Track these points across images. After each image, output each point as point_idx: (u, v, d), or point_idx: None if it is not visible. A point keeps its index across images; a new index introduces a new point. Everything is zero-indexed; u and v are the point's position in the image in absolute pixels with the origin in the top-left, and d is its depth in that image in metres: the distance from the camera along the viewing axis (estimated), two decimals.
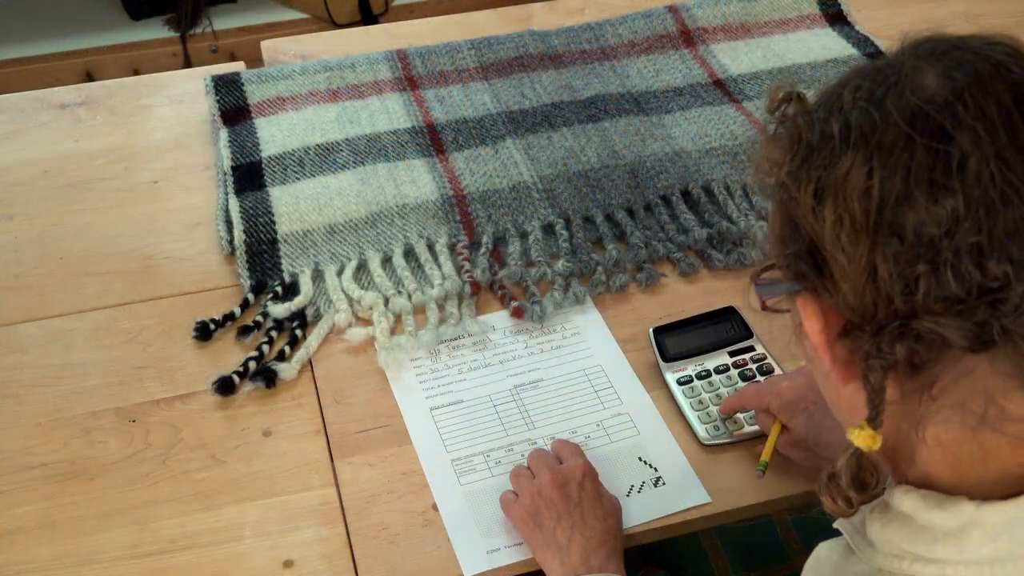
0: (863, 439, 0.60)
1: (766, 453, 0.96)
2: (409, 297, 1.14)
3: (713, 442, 1.00)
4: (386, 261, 1.19)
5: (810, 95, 0.65)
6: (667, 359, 1.06)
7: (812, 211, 0.59)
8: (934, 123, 0.56)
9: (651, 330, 1.08)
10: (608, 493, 0.93)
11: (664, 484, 0.97)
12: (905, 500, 0.61)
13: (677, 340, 1.08)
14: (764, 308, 0.68)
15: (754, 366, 1.06)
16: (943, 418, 0.59)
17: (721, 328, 1.09)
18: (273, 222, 1.21)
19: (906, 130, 0.56)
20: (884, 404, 0.59)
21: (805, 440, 0.93)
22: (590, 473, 0.92)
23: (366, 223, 1.22)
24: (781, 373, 1.03)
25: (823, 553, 0.69)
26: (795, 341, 0.67)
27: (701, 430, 1.01)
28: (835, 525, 0.67)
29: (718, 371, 1.05)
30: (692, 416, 1.02)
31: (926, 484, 0.62)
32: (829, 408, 0.92)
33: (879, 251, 0.56)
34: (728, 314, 1.10)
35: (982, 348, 0.55)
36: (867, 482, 0.62)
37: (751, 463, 0.99)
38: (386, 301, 1.14)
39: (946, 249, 0.54)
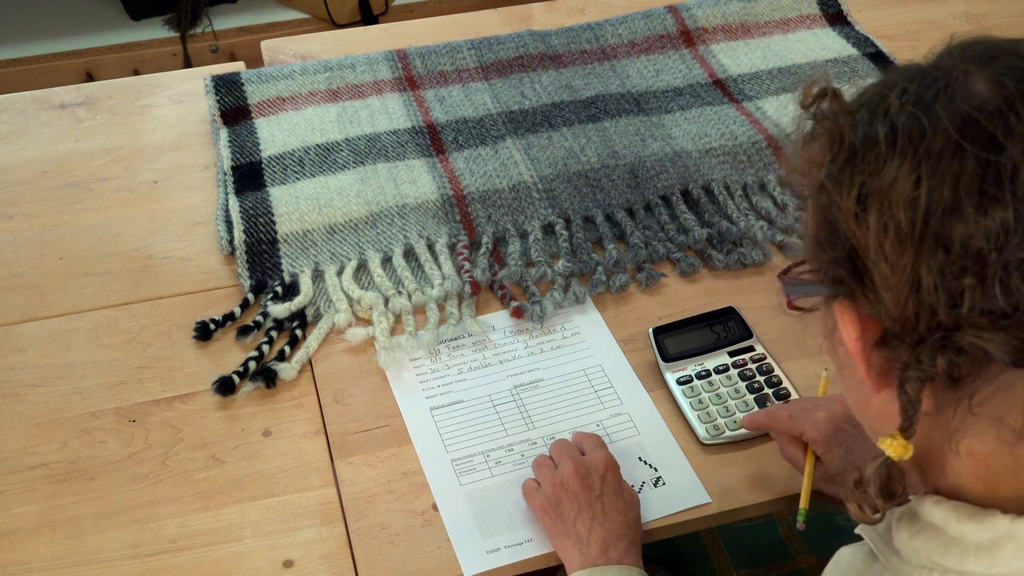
0: (895, 449, 0.59)
1: (804, 499, 0.90)
2: (409, 297, 1.14)
3: (713, 442, 1.00)
4: (386, 261, 1.19)
5: (845, 91, 0.64)
6: (667, 359, 1.06)
7: (855, 217, 0.57)
8: (985, 132, 0.54)
9: (651, 330, 1.09)
10: (628, 486, 0.93)
11: (664, 484, 0.97)
12: (935, 511, 0.60)
13: (677, 340, 1.08)
14: (791, 307, 0.67)
15: (754, 366, 1.06)
16: (978, 431, 0.58)
17: (721, 328, 1.09)
18: (273, 222, 1.21)
19: (956, 138, 0.54)
20: (919, 415, 0.58)
21: (840, 475, 0.89)
22: (612, 466, 0.93)
23: (366, 223, 1.22)
24: (811, 398, 0.99)
25: (845, 559, 0.68)
26: (826, 345, 0.66)
27: (701, 430, 1.01)
28: (857, 531, 0.66)
29: (718, 371, 1.05)
30: (692, 416, 1.02)
31: (956, 495, 0.61)
32: (868, 446, 0.88)
33: (924, 262, 0.55)
34: (728, 314, 1.10)
35: None
36: (895, 491, 0.61)
37: (751, 463, 0.99)
38: (386, 301, 1.14)
39: (995, 263, 0.53)
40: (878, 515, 0.62)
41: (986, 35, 0.61)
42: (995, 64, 0.57)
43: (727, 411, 1.02)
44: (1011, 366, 0.54)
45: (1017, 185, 0.53)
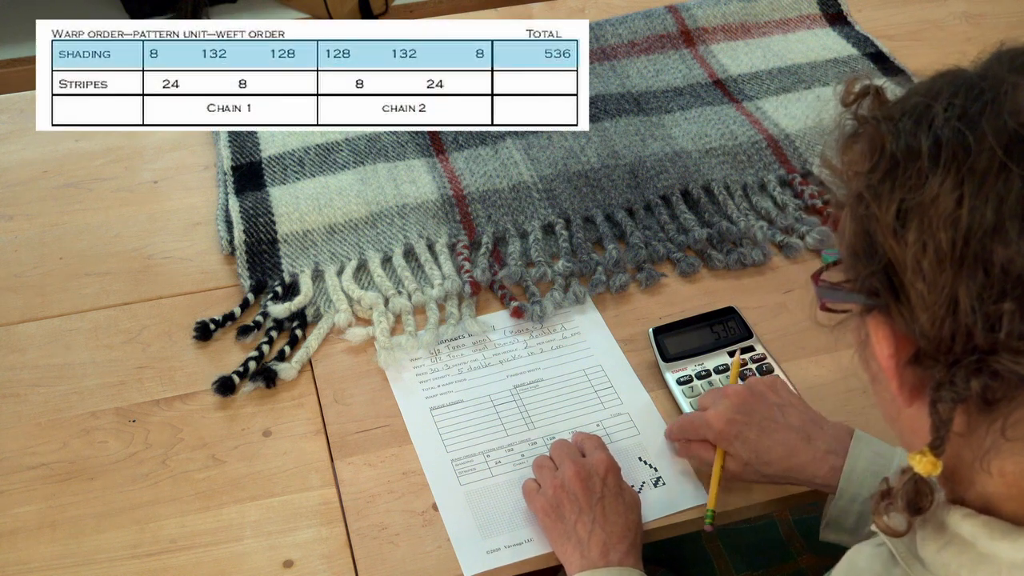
0: (924, 465, 0.58)
1: (712, 500, 0.93)
2: (409, 297, 1.14)
3: None
4: (386, 261, 1.19)
5: (887, 90, 0.62)
6: (667, 359, 1.06)
7: (893, 232, 0.56)
8: None
9: (651, 330, 1.08)
10: (629, 488, 0.93)
11: (664, 484, 0.97)
12: (964, 524, 0.59)
13: (677, 340, 1.08)
14: (823, 309, 0.66)
15: (754, 366, 1.06)
16: (1009, 451, 0.57)
17: (721, 328, 1.09)
18: (273, 222, 1.21)
19: (1001, 157, 0.53)
20: (950, 434, 0.57)
21: (749, 463, 0.92)
22: (613, 467, 0.93)
23: (366, 223, 1.22)
24: (709, 393, 0.99)
25: (862, 562, 0.66)
26: (858, 356, 0.65)
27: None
28: (875, 529, 0.65)
29: (718, 371, 1.05)
30: (685, 405, 1.02)
31: (985, 510, 0.60)
32: (765, 425, 0.91)
33: (963, 283, 0.54)
34: (728, 314, 1.10)
35: None
36: (922, 506, 0.60)
37: None
38: (386, 301, 1.14)
39: None
40: (906, 530, 0.61)
41: None
42: None
43: None
44: None
45: None
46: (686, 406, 1.03)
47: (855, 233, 0.60)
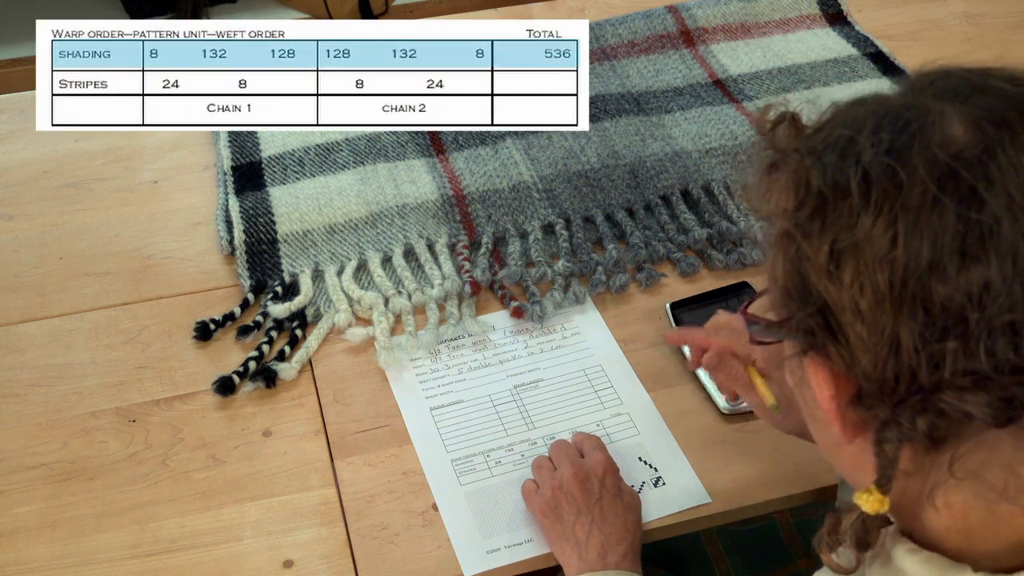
0: (871, 504, 0.57)
1: (769, 394, 0.88)
2: (409, 297, 1.14)
3: (733, 411, 1.01)
4: (386, 261, 1.19)
5: (803, 112, 0.61)
6: None
7: (827, 273, 0.55)
8: (965, 184, 0.52)
9: (668, 304, 1.10)
10: (628, 488, 0.93)
11: (664, 484, 0.97)
12: (907, 560, 0.59)
13: (694, 314, 1.09)
14: (755, 343, 0.65)
15: None
16: (955, 485, 0.56)
17: (736, 303, 1.10)
18: (273, 222, 1.21)
19: (934, 192, 0.52)
20: (896, 472, 0.56)
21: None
22: (611, 468, 0.93)
23: (366, 223, 1.22)
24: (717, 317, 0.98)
25: None
26: (796, 393, 0.64)
27: (721, 400, 1.02)
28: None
29: None
30: (711, 387, 1.03)
31: (931, 544, 0.59)
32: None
33: (904, 324, 0.52)
34: (742, 288, 1.12)
35: (1007, 423, 0.53)
36: (871, 543, 0.60)
37: (752, 463, 0.99)
38: (386, 301, 1.14)
39: (977, 324, 0.51)
40: (854, 567, 0.61)
41: (952, 66, 0.58)
42: (970, 103, 0.54)
43: None
44: (993, 426, 0.53)
45: (999, 241, 0.51)
46: (705, 377, 1.03)
47: (786, 272, 0.58)
